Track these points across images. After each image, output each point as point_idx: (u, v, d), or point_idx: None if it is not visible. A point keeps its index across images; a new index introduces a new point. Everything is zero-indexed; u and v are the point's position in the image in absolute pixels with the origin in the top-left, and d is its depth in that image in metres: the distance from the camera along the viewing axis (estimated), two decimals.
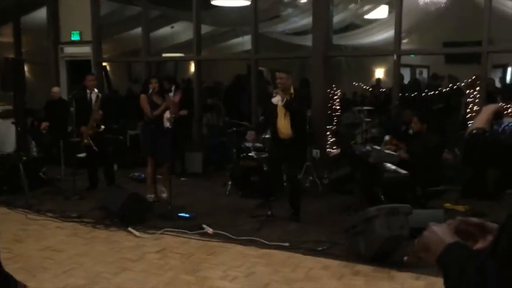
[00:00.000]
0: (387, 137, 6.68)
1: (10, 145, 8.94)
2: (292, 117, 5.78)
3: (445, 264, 1.16)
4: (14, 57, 7.53)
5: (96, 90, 7.33)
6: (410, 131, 6.34)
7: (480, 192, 6.56)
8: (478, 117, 1.96)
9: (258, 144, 7.31)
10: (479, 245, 1.26)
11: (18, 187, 6.88)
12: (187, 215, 6.02)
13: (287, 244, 5.08)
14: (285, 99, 5.71)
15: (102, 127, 7.16)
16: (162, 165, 6.85)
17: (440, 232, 1.22)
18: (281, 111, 5.82)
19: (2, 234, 5.28)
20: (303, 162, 7.15)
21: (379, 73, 14.51)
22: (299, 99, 5.86)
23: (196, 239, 5.31)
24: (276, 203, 6.15)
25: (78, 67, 9.91)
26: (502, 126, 6.12)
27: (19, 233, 5.57)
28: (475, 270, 1.07)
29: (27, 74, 11.71)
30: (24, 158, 7.41)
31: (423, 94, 10.00)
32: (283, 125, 5.84)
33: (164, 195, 6.69)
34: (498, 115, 2.32)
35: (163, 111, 6.72)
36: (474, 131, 1.99)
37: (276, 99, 5.77)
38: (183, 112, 7.74)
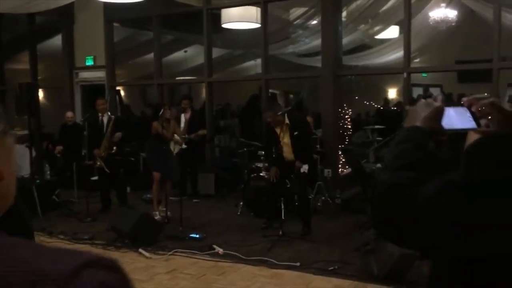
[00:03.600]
0: None
1: (26, 169, 9.06)
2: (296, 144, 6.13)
3: (394, 143, 1.14)
4: (28, 82, 7.67)
5: (109, 113, 7.45)
6: None
7: None
8: None
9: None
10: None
11: (31, 210, 6.94)
12: (198, 236, 6.00)
13: (298, 264, 5.02)
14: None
15: (115, 148, 7.25)
16: (166, 183, 6.98)
17: (418, 110, 1.18)
18: (282, 136, 6.13)
19: None
20: (313, 180, 7.15)
21: (392, 92, 14.48)
22: (298, 127, 6.19)
23: (207, 260, 5.28)
24: (288, 223, 6.10)
25: (93, 91, 10.09)
26: None
27: None
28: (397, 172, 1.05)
29: (43, 99, 12.01)
30: (38, 181, 7.50)
31: None
32: (287, 149, 6.18)
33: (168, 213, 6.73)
34: None
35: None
36: None
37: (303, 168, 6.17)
38: (202, 132, 7.83)
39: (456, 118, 1.21)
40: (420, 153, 1.11)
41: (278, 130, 6.18)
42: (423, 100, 1.21)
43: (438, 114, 1.18)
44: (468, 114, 1.20)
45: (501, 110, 1.14)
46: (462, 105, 1.22)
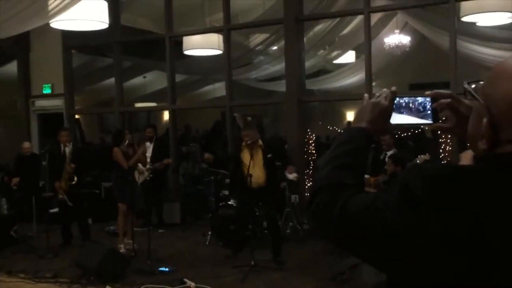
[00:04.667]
0: (366, 176, 6.73)
1: None
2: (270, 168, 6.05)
3: (336, 142, 1.14)
4: None
5: (70, 144, 7.22)
6: (385, 158, 6.41)
7: None
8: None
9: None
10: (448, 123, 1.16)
11: None
12: (167, 269, 5.84)
13: None
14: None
15: (75, 179, 7.02)
16: (132, 214, 6.83)
17: (366, 110, 1.16)
18: (257, 161, 5.97)
19: None
20: (282, 207, 7.14)
21: (351, 116, 14.80)
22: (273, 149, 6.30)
23: None
24: (259, 252, 6.03)
25: (50, 120, 9.77)
26: None
27: None
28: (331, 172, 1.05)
29: None
30: None
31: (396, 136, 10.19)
32: (258, 174, 5.96)
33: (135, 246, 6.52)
34: None
35: (137, 161, 6.85)
36: None
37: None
38: (167, 161, 7.72)
39: (410, 112, 1.17)
40: (360, 157, 1.11)
41: (246, 155, 6.00)
42: (371, 101, 1.17)
43: (386, 114, 1.16)
44: (428, 107, 1.17)
45: (457, 112, 1.14)
46: (426, 96, 1.17)
